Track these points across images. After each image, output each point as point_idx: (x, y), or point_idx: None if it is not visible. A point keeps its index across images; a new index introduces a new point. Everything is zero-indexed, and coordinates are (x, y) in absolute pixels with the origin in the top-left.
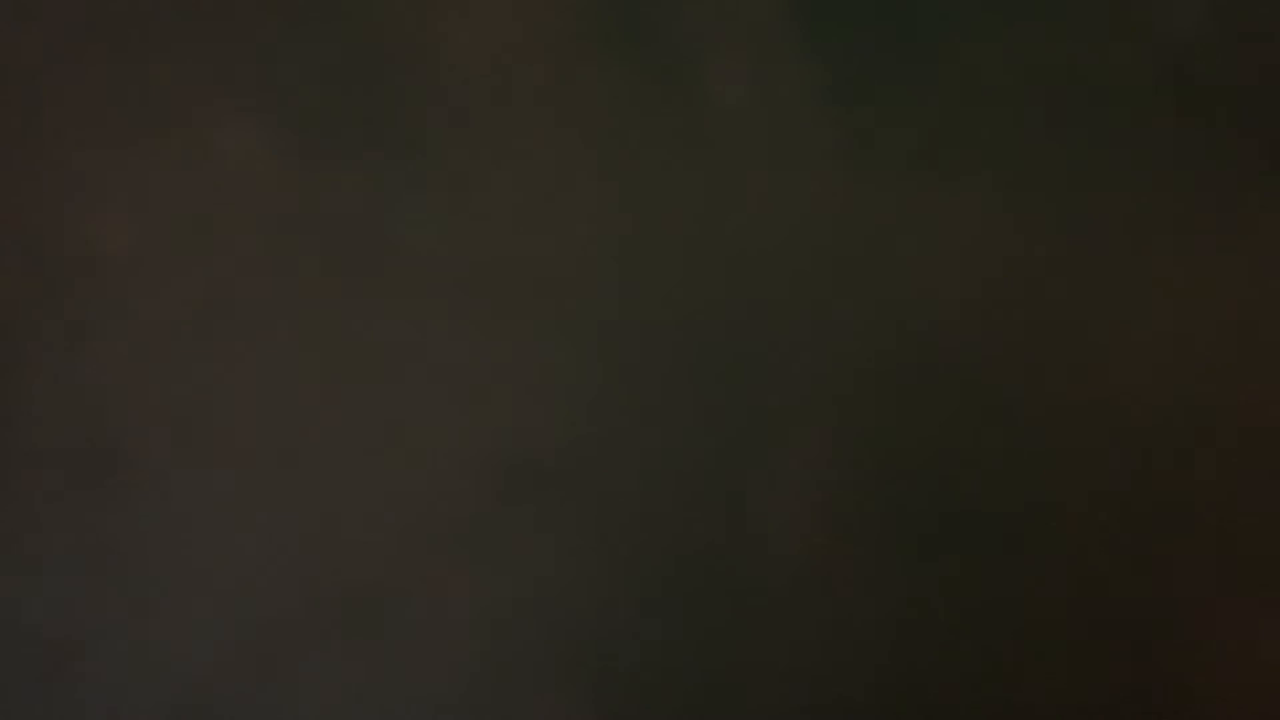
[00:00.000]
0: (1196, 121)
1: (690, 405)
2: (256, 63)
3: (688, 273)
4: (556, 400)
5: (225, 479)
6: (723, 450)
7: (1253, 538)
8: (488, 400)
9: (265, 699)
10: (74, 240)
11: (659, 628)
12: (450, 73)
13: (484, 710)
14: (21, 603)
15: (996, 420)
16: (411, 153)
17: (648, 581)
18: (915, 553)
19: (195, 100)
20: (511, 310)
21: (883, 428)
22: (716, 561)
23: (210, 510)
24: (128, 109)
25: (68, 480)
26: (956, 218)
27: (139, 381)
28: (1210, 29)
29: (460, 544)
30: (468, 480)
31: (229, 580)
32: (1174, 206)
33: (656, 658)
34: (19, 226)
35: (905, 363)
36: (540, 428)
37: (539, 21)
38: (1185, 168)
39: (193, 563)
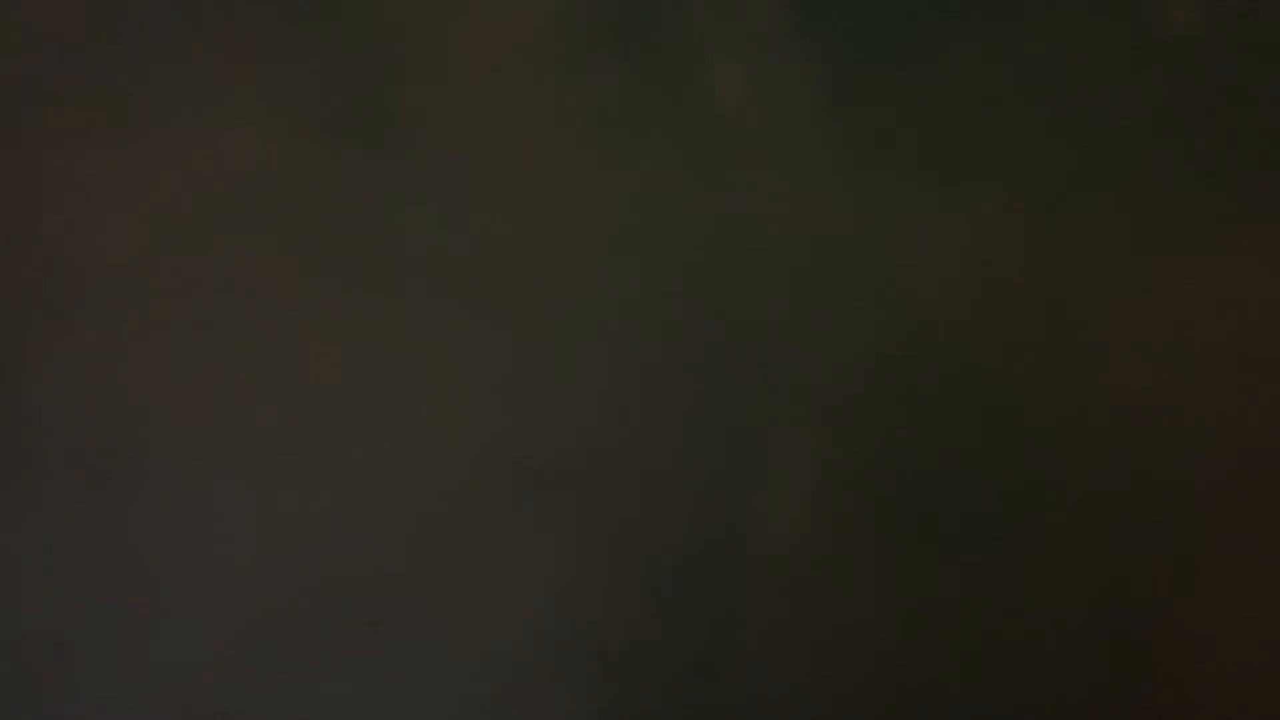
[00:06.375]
0: (1196, 122)
1: (690, 405)
2: (256, 63)
3: (688, 272)
4: (557, 400)
5: (226, 479)
6: (723, 450)
7: (1253, 537)
8: (488, 400)
9: (266, 699)
10: (74, 240)
11: (659, 626)
12: (451, 73)
13: (484, 709)
14: (22, 603)
15: (996, 420)
16: (412, 153)
17: (648, 581)
18: (915, 553)
19: (195, 100)
20: (512, 310)
21: (882, 428)
22: (717, 561)
23: (211, 510)
24: (128, 109)
25: (68, 480)
26: (956, 217)
27: (140, 382)
28: (1210, 29)
29: (462, 544)
30: (468, 480)
31: (229, 580)
32: (1174, 206)
33: (657, 656)
34: (19, 227)
35: (904, 362)
36: (541, 428)
37: (539, 22)
38: (1185, 168)
39: (193, 563)
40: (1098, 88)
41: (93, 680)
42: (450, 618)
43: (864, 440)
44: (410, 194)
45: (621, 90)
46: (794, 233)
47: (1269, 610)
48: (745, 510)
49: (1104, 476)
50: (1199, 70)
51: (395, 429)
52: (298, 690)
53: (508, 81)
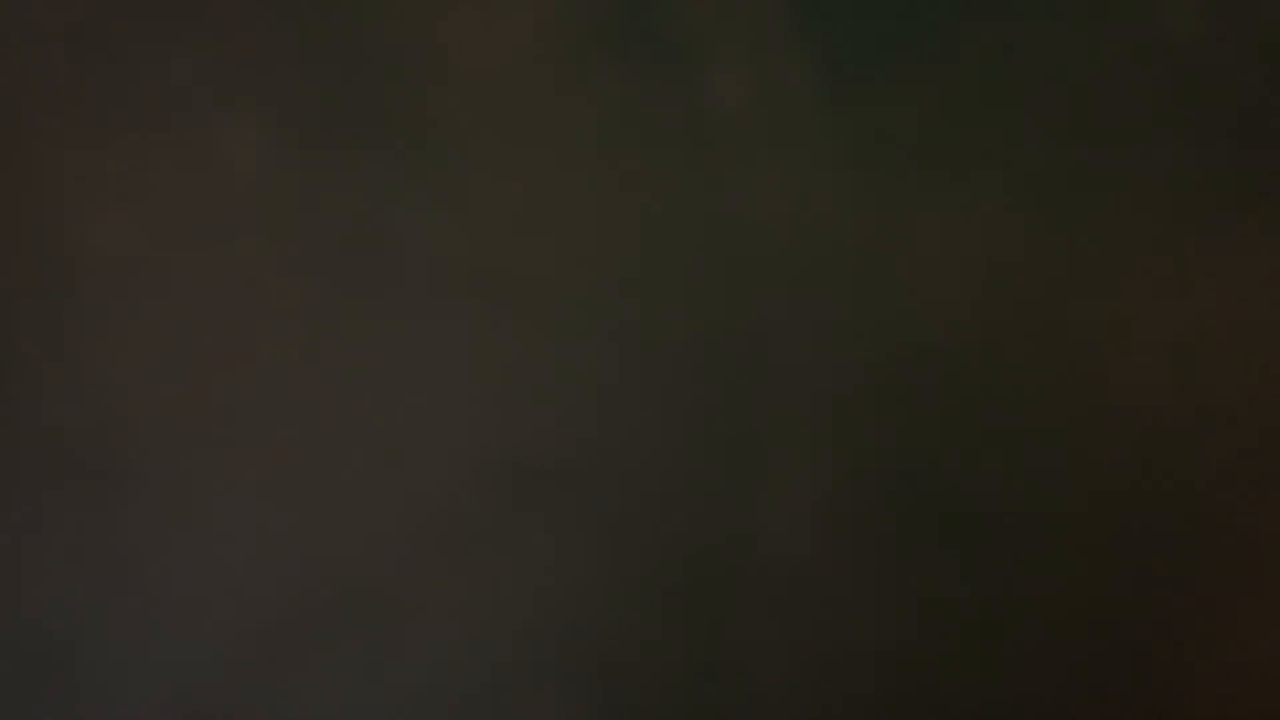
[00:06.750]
0: (1197, 121)
1: (691, 404)
2: (256, 62)
3: (689, 273)
4: (557, 400)
5: (226, 479)
6: (723, 450)
7: (1253, 537)
8: (488, 400)
9: (266, 699)
10: (74, 239)
11: (661, 627)
12: (451, 72)
13: (485, 709)
14: (22, 603)
15: (996, 421)
16: (412, 152)
17: (649, 581)
18: (914, 554)
19: (195, 100)
20: (512, 310)
21: (882, 428)
22: (717, 561)
23: (211, 510)
24: (128, 109)
25: (68, 480)
26: (956, 218)
27: (139, 382)
28: (1210, 29)
29: (461, 544)
30: (469, 480)
31: (229, 580)
32: (1174, 206)
33: (659, 656)
34: (19, 226)
35: (905, 362)
36: (541, 428)
37: (539, 21)
38: (1186, 168)
39: (193, 563)
40: (1098, 88)
41: (93, 680)
42: (450, 618)
43: (864, 440)
44: (410, 194)
45: (621, 90)
46: (794, 233)
47: (1269, 610)
48: (746, 510)
49: (1104, 476)
50: (1199, 70)
51: (395, 429)
52: (298, 690)
53: (508, 81)
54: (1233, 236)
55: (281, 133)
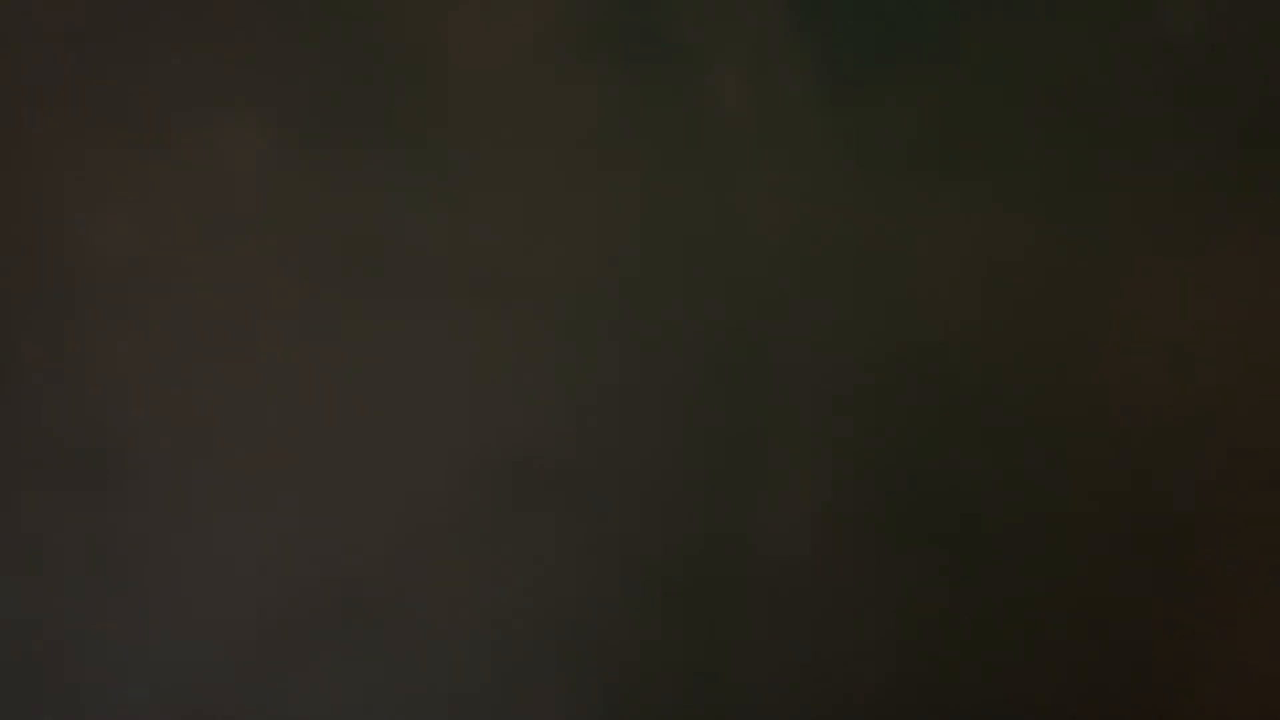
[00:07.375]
0: (1197, 121)
1: (692, 405)
2: (257, 63)
3: (688, 273)
4: (557, 400)
5: (226, 479)
6: (724, 450)
7: (1253, 538)
8: (489, 401)
9: (265, 699)
10: (74, 240)
11: (660, 626)
12: (451, 73)
13: (485, 709)
14: (21, 603)
15: (996, 421)
16: (413, 153)
17: (649, 581)
18: (914, 554)
19: (195, 100)
20: (512, 309)
21: (882, 429)
22: (717, 562)
23: (211, 511)
24: (128, 109)
25: (68, 480)
26: (956, 217)
27: (139, 382)
28: (1210, 29)
29: (461, 544)
30: (469, 480)
31: (229, 580)
32: (1175, 206)
33: (658, 656)
34: (20, 227)
35: (905, 363)
36: (541, 428)
37: (539, 22)
38: (1186, 167)
39: (193, 563)
40: (1098, 87)
41: (93, 680)
42: (450, 618)
43: (865, 440)
44: (410, 194)
45: (621, 90)
46: (794, 233)
47: (1268, 611)
48: (747, 510)
49: (1104, 476)
50: (1199, 70)
51: (396, 429)
52: (298, 690)
53: (508, 82)
54: (1233, 236)
55: (282, 133)
